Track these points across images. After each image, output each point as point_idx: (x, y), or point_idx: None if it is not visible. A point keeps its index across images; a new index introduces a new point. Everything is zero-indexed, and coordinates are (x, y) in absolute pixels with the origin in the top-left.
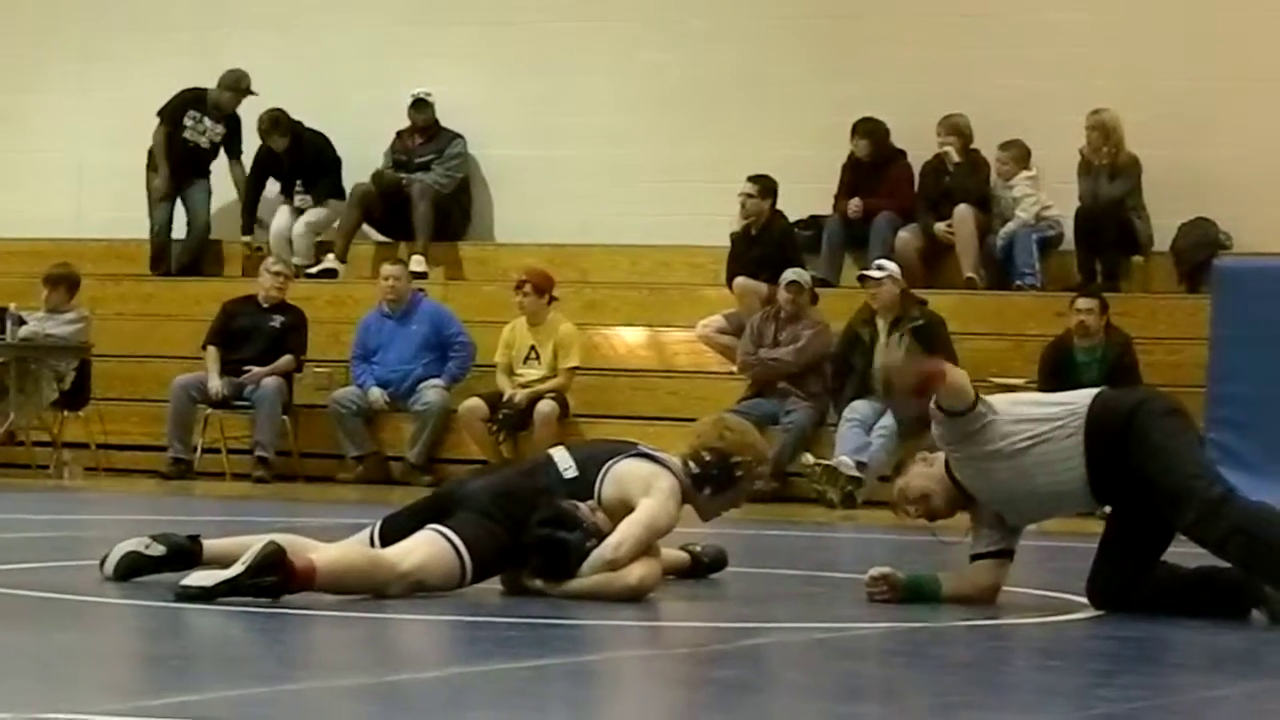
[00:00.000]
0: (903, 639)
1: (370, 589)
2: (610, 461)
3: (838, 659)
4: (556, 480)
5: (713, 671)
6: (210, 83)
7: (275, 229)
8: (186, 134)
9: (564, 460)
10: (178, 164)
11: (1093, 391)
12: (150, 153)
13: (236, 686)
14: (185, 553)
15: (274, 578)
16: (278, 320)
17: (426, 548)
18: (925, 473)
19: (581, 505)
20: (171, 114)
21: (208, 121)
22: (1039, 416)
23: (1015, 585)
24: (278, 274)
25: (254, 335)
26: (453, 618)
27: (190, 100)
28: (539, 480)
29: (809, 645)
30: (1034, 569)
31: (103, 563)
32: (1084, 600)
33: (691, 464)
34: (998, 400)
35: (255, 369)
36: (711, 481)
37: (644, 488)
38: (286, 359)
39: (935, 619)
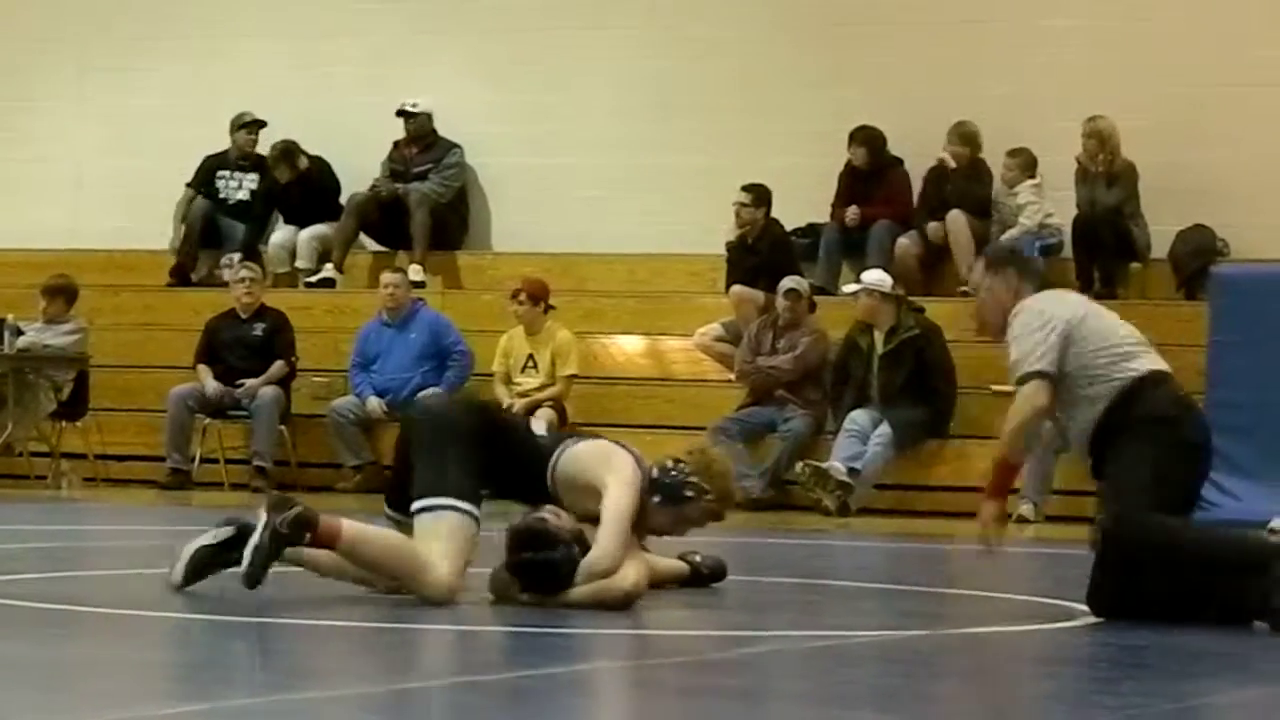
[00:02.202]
0: (901, 647)
1: (395, 568)
2: (572, 439)
3: (836, 667)
4: (524, 432)
5: (710, 680)
6: (207, 92)
7: (275, 242)
8: (222, 194)
9: (539, 427)
10: (213, 224)
11: (1150, 365)
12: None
13: (237, 696)
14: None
15: (295, 517)
16: (259, 328)
17: (458, 539)
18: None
19: (549, 515)
20: (203, 180)
21: (238, 175)
22: (1104, 359)
23: (1014, 593)
24: (243, 280)
25: (237, 348)
26: (452, 627)
27: (215, 163)
28: (517, 428)
29: (807, 653)
30: (1033, 576)
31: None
32: (1083, 607)
33: (656, 469)
34: (1084, 313)
35: (249, 382)
36: (662, 490)
37: (602, 462)
38: (278, 365)
39: (933, 627)
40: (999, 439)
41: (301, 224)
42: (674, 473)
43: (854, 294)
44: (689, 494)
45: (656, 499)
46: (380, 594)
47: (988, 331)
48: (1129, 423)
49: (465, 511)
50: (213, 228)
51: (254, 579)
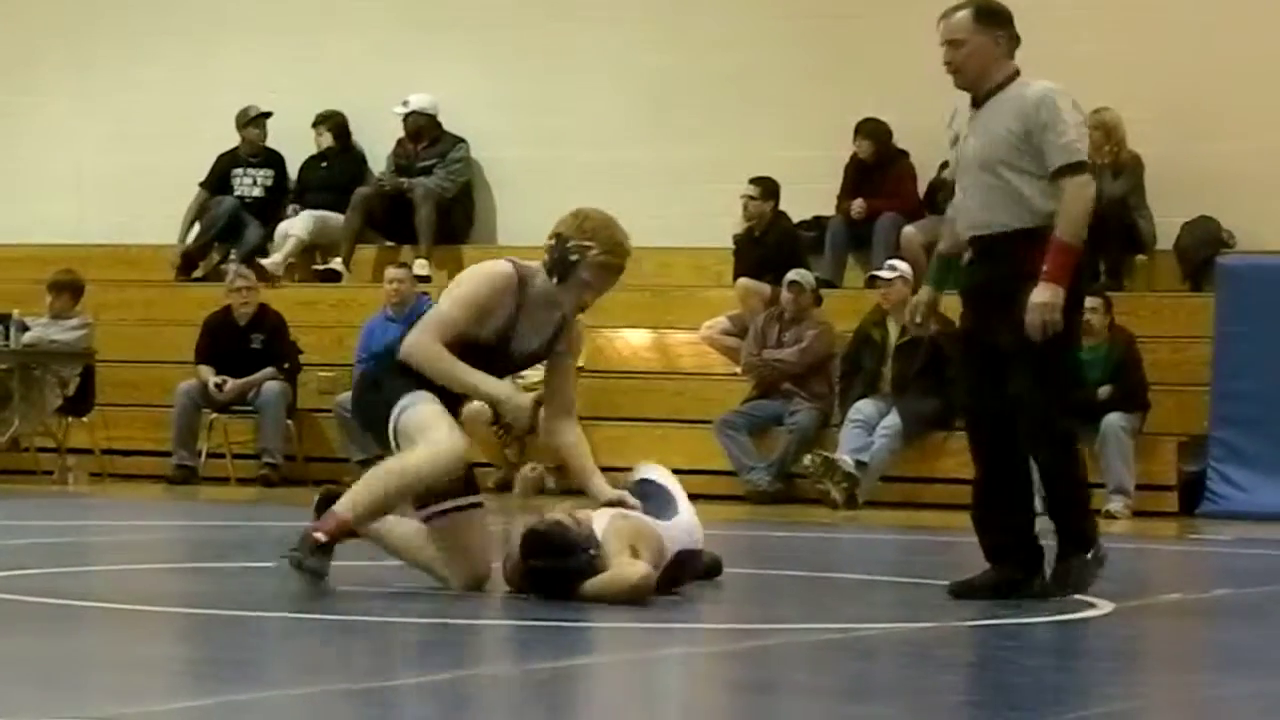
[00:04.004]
0: (910, 639)
1: (399, 483)
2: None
3: (845, 659)
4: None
5: (720, 673)
6: (211, 86)
7: (284, 230)
8: (238, 192)
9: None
10: (235, 221)
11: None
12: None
13: (241, 691)
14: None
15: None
16: (257, 340)
17: (429, 415)
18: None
19: (567, 520)
20: (218, 180)
21: (251, 171)
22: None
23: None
24: (241, 289)
25: (235, 359)
26: (458, 621)
27: (228, 162)
28: None
29: (815, 646)
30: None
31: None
32: (1091, 599)
33: (546, 255)
34: None
35: (234, 381)
36: (556, 270)
37: (468, 273)
38: (269, 371)
39: (942, 619)
40: (1064, 229)
41: (314, 205)
42: (555, 249)
43: (889, 281)
44: (574, 258)
45: (554, 280)
46: (445, 588)
47: (964, 83)
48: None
49: (416, 403)
50: (235, 224)
51: (297, 565)
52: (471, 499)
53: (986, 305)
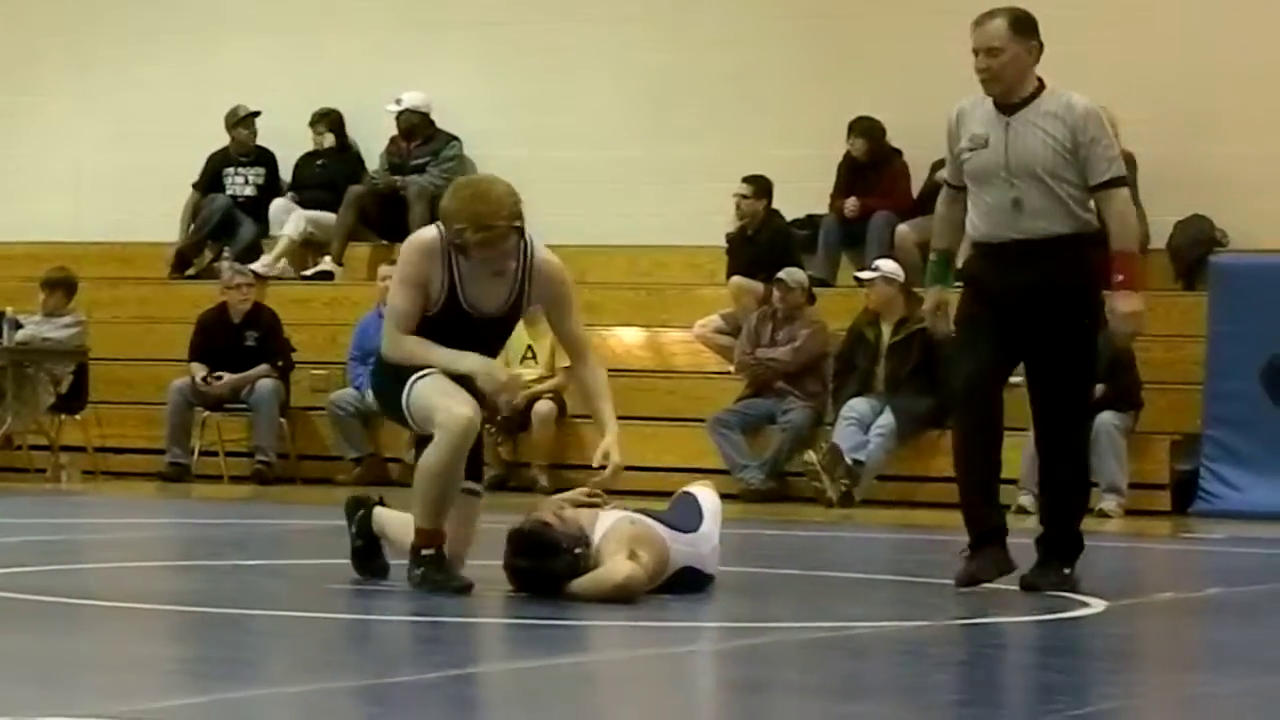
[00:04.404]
0: (903, 638)
1: (442, 479)
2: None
3: (838, 658)
4: None
5: (713, 671)
6: (207, 85)
7: (276, 220)
8: (230, 191)
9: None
10: (229, 219)
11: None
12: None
13: (235, 689)
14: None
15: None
16: (251, 338)
17: (433, 389)
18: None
19: (553, 519)
20: (210, 180)
21: (243, 170)
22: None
23: (1015, 584)
24: (239, 287)
25: (229, 357)
26: (452, 619)
27: (219, 161)
28: None
29: (809, 644)
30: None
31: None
32: (1084, 598)
33: None
34: None
35: (230, 376)
36: (457, 250)
37: (400, 252)
38: (263, 369)
39: (935, 618)
40: (1126, 240)
41: (308, 203)
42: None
43: (870, 281)
44: (458, 241)
45: (466, 263)
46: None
47: (998, 90)
48: None
49: (420, 377)
50: (229, 222)
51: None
52: (469, 484)
53: (1038, 303)
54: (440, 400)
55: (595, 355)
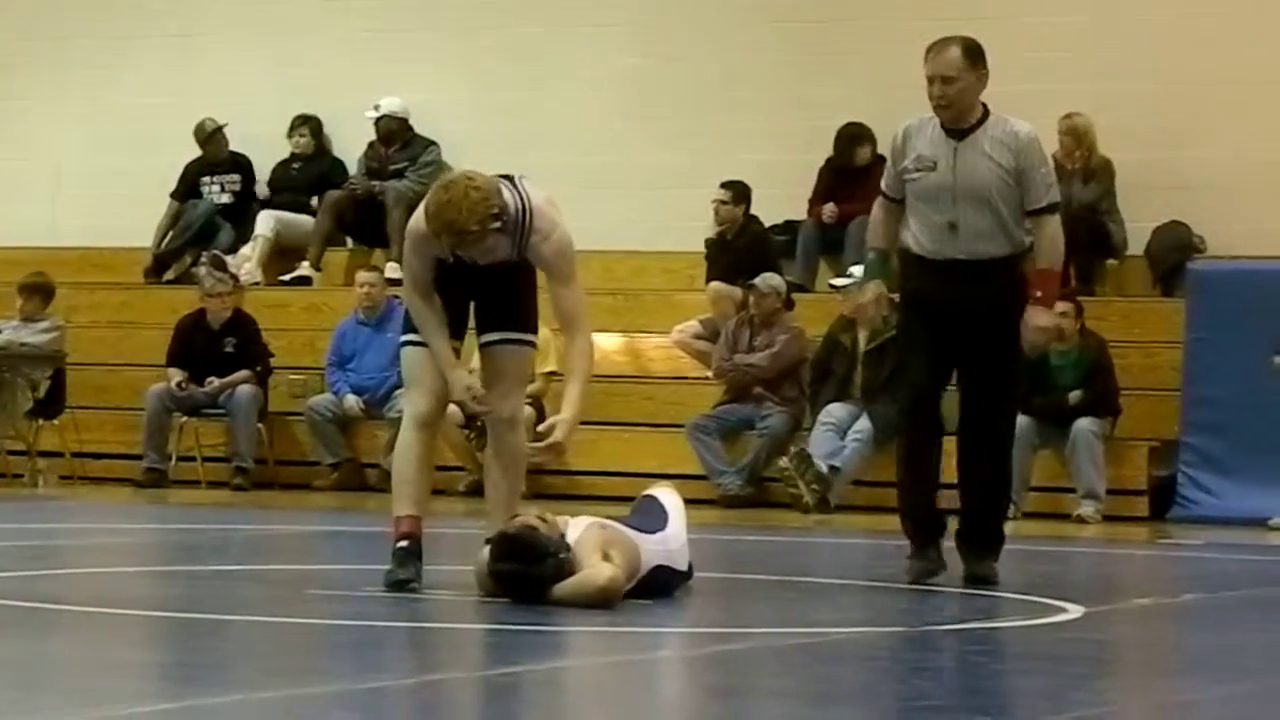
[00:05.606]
0: (879, 643)
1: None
2: None
3: (815, 663)
4: None
5: (690, 677)
6: (186, 90)
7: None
8: (212, 198)
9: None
10: (208, 225)
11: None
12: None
13: (213, 695)
14: None
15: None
16: (230, 344)
17: (416, 367)
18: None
19: (538, 523)
20: (187, 189)
21: (219, 178)
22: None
23: (992, 589)
24: (217, 295)
25: (207, 362)
26: (431, 625)
27: (195, 170)
28: None
29: (786, 650)
30: (1011, 573)
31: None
32: (1061, 604)
33: None
34: None
35: (216, 380)
36: None
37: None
38: (243, 374)
39: (911, 623)
40: (1052, 260)
41: (286, 208)
42: None
43: (846, 288)
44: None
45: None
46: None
47: (951, 116)
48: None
49: (410, 344)
50: (209, 228)
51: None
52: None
53: (975, 319)
54: (411, 382)
55: (587, 331)
